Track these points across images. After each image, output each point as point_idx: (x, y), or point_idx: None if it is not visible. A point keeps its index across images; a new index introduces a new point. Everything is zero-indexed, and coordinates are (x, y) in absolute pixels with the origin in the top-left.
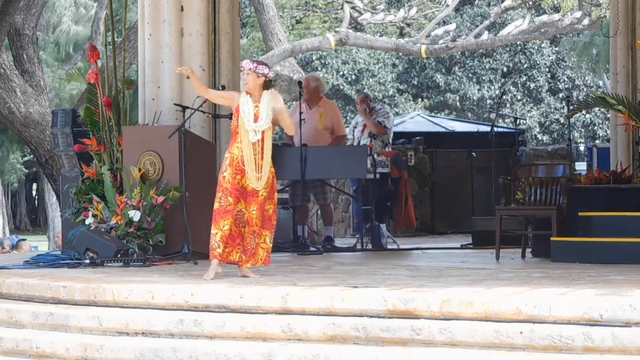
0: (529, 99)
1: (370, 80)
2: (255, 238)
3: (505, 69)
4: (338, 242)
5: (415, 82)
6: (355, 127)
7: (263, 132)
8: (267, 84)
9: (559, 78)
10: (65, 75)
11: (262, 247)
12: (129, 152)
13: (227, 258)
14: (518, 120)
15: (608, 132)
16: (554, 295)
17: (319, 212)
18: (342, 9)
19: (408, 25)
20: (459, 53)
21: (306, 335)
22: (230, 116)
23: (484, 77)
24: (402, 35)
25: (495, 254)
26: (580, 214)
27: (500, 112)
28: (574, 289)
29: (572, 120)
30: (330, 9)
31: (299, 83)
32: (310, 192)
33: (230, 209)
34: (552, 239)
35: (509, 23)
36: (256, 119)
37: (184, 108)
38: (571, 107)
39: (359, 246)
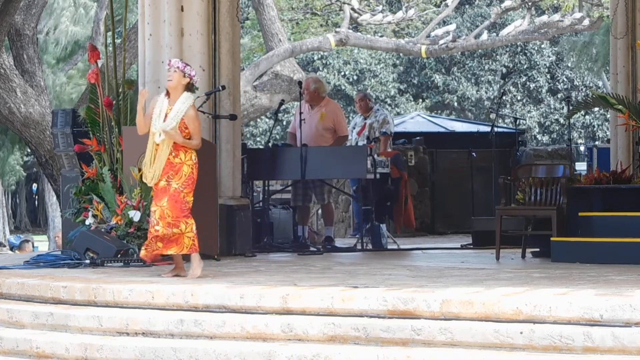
0: (528, 99)
1: (372, 80)
2: (172, 228)
3: (504, 70)
4: (338, 242)
5: (415, 82)
6: (354, 128)
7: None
8: (190, 87)
9: (559, 78)
10: (65, 78)
11: (188, 235)
12: (129, 152)
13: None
14: (518, 120)
15: (607, 133)
16: (554, 295)
17: (319, 212)
18: (341, 10)
19: (407, 26)
20: (459, 53)
21: (306, 335)
22: (230, 117)
23: (482, 78)
24: (398, 34)
25: (495, 254)
26: (580, 214)
27: (500, 113)
28: (574, 289)
29: (571, 121)
30: (329, 10)
31: (299, 83)
32: (311, 192)
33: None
34: (552, 239)
35: (509, 23)
36: (165, 119)
37: None
38: (571, 107)
39: (359, 246)
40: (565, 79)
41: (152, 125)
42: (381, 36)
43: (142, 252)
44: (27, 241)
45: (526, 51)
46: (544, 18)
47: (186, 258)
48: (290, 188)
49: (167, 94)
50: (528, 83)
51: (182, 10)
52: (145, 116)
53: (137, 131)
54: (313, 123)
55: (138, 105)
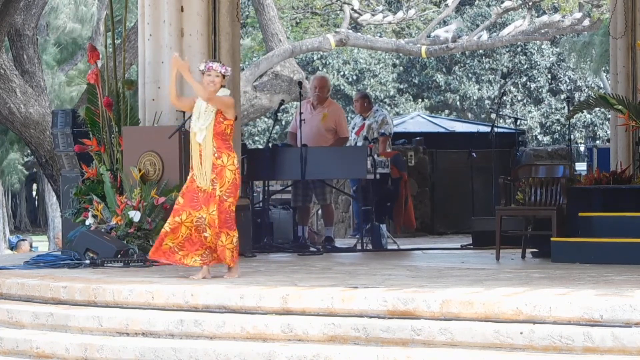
0: (529, 100)
1: (371, 80)
2: (217, 240)
3: (505, 70)
4: (338, 243)
5: (415, 82)
6: (353, 129)
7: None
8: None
9: (560, 79)
10: (65, 77)
11: (229, 248)
12: (129, 152)
13: (181, 261)
14: (518, 120)
15: (608, 132)
16: (554, 296)
17: (319, 212)
18: (341, 9)
19: (408, 26)
20: (460, 53)
21: (306, 336)
22: None
23: (483, 78)
24: (399, 35)
25: (495, 254)
26: (580, 214)
27: (501, 113)
28: (574, 289)
29: (572, 120)
30: (329, 10)
31: (299, 83)
32: (312, 193)
33: (178, 208)
34: (552, 239)
35: (509, 23)
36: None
37: None
38: (572, 108)
39: (359, 246)
40: (567, 80)
41: (193, 126)
42: (381, 36)
43: (196, 260)
44: (24, 240)
45: (526, 51)
46: (544, 18)
47: None
48: (290, 188)
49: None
50: (529, 83)
51: (182, 10)
52: (181, 97)
53: (170, 99)
54: (314, 123)
55: (172, 71)
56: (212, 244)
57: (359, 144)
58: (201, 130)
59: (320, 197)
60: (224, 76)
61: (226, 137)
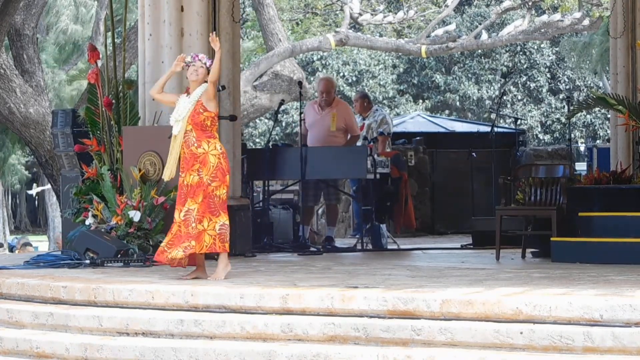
0: (529, 99)
1: (371, 81)
2: (197, 224)
3: (505, 70)
4: (338, 242)
5: (415, 82)
6: None
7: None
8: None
9: (560, 78)
10: (66, 77)
11: (209, 233)
12: (129, 152)
13: (168, 258)
14: (518, 120)
15: (608, 132)
16: (554, 296)
17: (319, 212)
18: (342, 9)
19: (409, 27)
20: (459, 53)
21: (306, 336)
22: (230, 117)
23: (482, 78)
24: (400, 36)
25: (495, 254)
26: (580, 214)
27: (501, 113)
28: (574, 289)
29: (572, 120)
30: (329, 10)
31: (299, 83)
32: (320, 193)
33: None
34: (552, 239)
35: (509, 23)
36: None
37: None
38: (571, 108)
39: (359, 246)
40: (566, 79)
41: (170, 119)
42: (381, 36)
43: (172, 254)
44: (30, 245)
45: (526, 50)
46: (544, 18)
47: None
48: (290, 188)
49: (187, 92)
50: (528, 83)
51: (182, 10)
52: (164, 93)
53: (152, 90)
54: (324, 124)
55: (173, 67)
56: (188, 232)
57: (359, 143)
58: (177, 121)
59: (333, 196)
60: (208, 70)
61: (206, 128)
